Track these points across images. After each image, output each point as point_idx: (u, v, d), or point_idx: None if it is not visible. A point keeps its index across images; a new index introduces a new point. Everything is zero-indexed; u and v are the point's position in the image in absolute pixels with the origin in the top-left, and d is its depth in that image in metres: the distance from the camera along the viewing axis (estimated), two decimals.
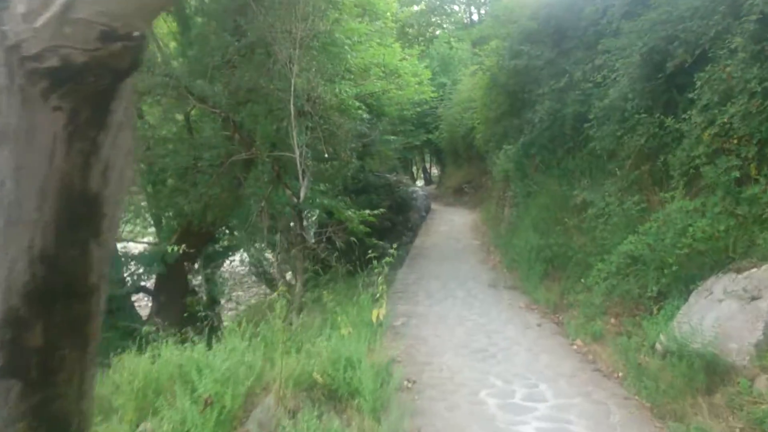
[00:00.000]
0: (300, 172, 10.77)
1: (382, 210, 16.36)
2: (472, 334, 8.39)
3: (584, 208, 10.07)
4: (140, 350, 6.57)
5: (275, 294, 8.55)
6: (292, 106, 10.78)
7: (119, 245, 16.15)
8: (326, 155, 11.63)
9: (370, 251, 16.92)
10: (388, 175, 23.98)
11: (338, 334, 6.85)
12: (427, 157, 45.48)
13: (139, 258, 14.44)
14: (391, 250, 9.97)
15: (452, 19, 43.03)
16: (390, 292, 11.52)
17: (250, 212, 11.34)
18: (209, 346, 6.67)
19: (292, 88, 10.74)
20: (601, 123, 10.30)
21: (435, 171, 46.57)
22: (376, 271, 8.76)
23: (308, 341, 6.81)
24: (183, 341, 7.89)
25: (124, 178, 1.93)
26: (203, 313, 13.82)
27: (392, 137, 26.57)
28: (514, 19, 15.27)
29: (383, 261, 9.60)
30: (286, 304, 11.21)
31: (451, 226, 20.79)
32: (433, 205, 27.35)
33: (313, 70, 11.74)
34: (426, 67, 27.38)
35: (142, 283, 15.27)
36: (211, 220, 12.51)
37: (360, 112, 17.23)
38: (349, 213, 15.66)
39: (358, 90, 20.54)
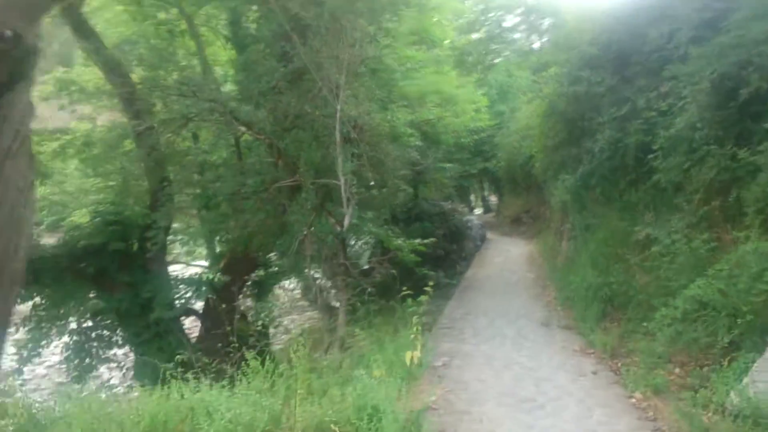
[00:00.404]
0: (344, 200, 10.33)
1: (432, 239, 15.83)
2: (519, 380, 7.67)
3: (647, 244, 9.27)
4: (165, 383, 6.13)
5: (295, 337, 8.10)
6: (337, 132, 10.41)
7: (174, 267, 16.11)
8: (372, 183, 11.13)
9: (419, 281, 16.37)
10: (442, 203, 23.40)
11: (369, 376, 6.28)
12: (486, 185, 44.59)
13: (188, 281, 14.23)
14: (427, 288, 9.41)
15: (513, 47, 42.34)
16: (436, 328, 10.92)
17: (294, 239, 10.93)
18: (232, 383, 6.23)
19: (338, 115, 10.37)
20: (666, 154, 9.54)
21: (494, 199, 45.66)
22: (410, 310, 8.20)
23: (337, 383, 6.28)
24: (217, 373, 7.50)
25: (19, 218, 1.46)
26: (253, 339, 13.57)
27: (448, 165, 26.11)
28: (574, 45, 14.59)
29: (417, 299, 9.14)
30: (328, 336, 10.79)
31: (506, 258, 19.99)
32: (490, 235, 26.56)
33: (361, 96, 11.36)
34: (483, 94, 26.88)
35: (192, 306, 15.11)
36: (256, 247, 12.20)
37: (412, 139, 16.77)
38: (399, 242, 15.18)
39: (413, 117, 20.24)
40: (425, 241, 15.63)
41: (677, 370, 6.88)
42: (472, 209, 39.93)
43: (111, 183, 14.68)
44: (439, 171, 24.16)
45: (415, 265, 15.80)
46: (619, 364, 7.74)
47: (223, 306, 13.60)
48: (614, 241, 10.57)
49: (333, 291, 12.03)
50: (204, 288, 13.68)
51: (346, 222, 10.43)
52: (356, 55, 10.95)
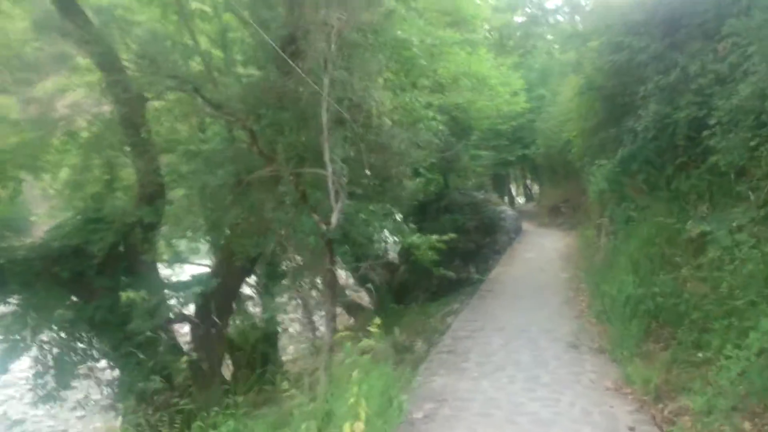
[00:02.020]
0: (332, 193, 8.46)
1: (452, 235, 13.85)
2: None
3: (702, 245, 7.15)
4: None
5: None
6: (324, 112, 8.52)
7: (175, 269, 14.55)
8: (367, 171, 9.21)
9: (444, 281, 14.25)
10: (475, 193, 21.36)
11: None
12: (527, 174, 42.19)
13: (175, 285, 12.51)
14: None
15: (555, 30, 39.65)
16: (434, 351, 8.93)
17: (269, 241, 9.13)
18: None
19: (325, 91, 8.48)
20: (726, 130, 7.39)
21: (536, 188, 43.34)
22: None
23: None
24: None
25: None
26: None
27: (483, 152, 24.04)
28: (615, 10, 12.32)
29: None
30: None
31: (540, 253, 17.74)
32: (526, 225, 24.33)
33: (357, 70, 9.43)
34: (522, 78, 24.65)
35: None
36: (239, 249, 10.46)
37: (435, 123, 14.74)
38: (414, 239, 13.27)
39: (442, 101, 18.33)
40: (443, 237, 13.67)
41: (748, 425, 4.81)
42: (513, 199, 37.52)
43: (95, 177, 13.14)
44: (471, 158, 22.20)
45: (432, 265, 13.91)
46: (666, 411, 5.61)
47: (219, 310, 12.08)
48: (660, 239, 8.37)
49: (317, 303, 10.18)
50: (194, 293, 12.08)
51: (333, 220, 8.54)
52: (348, 21, 9.03)
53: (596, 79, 12.50)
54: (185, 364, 11.02)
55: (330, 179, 8.42)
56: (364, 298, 19.85)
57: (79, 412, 13.00)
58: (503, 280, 14.24)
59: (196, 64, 10.31)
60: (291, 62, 8.85)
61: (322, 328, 13.53)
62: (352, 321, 19.06)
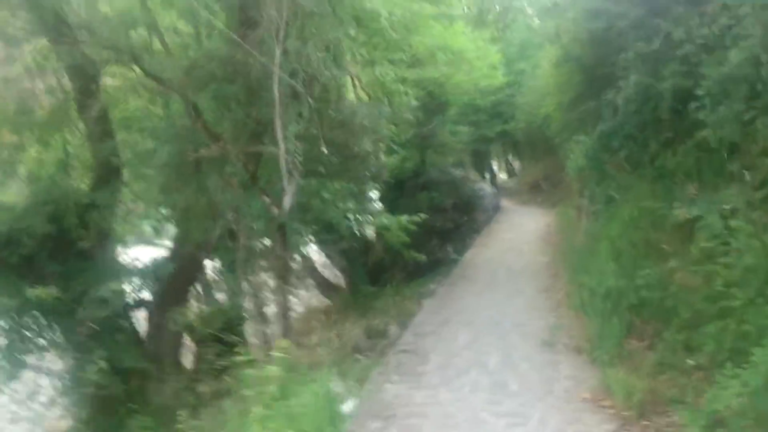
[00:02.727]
0: (284, 173, 7.54)
1: (421, 216, 13.05)
2: None
3: (692, 231, 6.34)
4: None
5: None
6: (275, 86, 7.57)
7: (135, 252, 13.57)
8: (324, 149, 8.28)
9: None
10: (453, 170, 20.55)
11: None
12: (508, 150, 41.29)
13: (132, 271, 11.58)
14: None
15: (536, 4, 38.56)
16: (392, 351, 8.07)
17: (217, 227, 8.21)
18: None
19: (276, 62, 7.52)
20: (716, 102, 6.52)
21: (518, 164, 42.55)
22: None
23: None
24: None
25: None
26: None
27: (462, 128, 23.20)
28: None
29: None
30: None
31: (518, 233, 16.89)
32: (506, 203, 23.56)
33: (312, 41, 8.45)
34: (501, 51, 23.67)
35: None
36: (191, 234, 9.55)
37: (407, 98, 13.79)
38: (383, 220, 12.41)
39: (417, 76, 17.43)
40: (413, 218, 12.84)
41: None
42: (494, 176, 36.66)
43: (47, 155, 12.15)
44: (451, 135, 21.34)
45: (403, 247, 13.12)
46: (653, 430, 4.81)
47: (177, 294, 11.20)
48: (644, 223, 7.50)
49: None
50: (149, 278, 11.20)
51: (286, 202, 7.65)
52: None
53: (573, 49, 11.60)
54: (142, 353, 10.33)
55: (282, 158, 7.52)
56: (340, 277, 19.11)
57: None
58: (477, 264, 13.38)
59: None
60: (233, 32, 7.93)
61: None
62: (327, 302, 18.33)
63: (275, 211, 7.74)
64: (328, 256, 18.35)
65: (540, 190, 23.68)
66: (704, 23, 7.52)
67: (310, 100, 8.09)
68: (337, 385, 6.22)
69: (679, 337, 5.62)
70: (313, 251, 17.76)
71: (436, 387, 6.48)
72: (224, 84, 8.02)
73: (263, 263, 8.69)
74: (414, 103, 14.09)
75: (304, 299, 20.47)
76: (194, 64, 8.01)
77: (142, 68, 8.00)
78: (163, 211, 11.00)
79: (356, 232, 14.54)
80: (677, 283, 6.14)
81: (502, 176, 42.73)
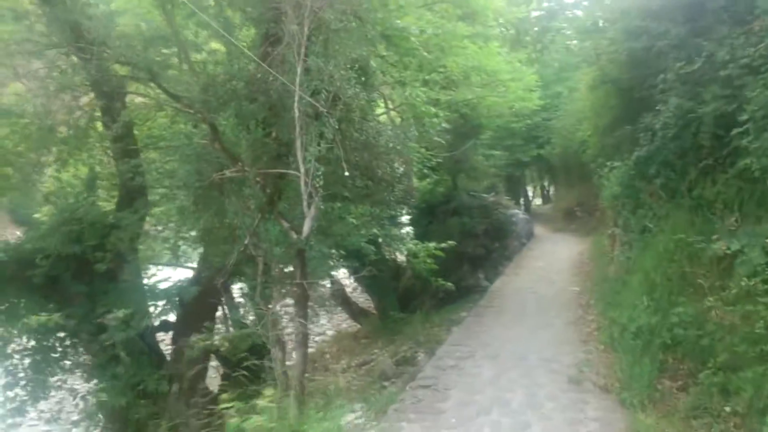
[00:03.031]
0: (305, 197, 7.27)
1: (451, 243, 12.71)
2: None
3: (731, 265, 5.87)
4: None
5: None
6: (296, 105, 7.36)
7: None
8: (346, 172, 8.01)
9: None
10: (485, 195, 20.10)
11: None
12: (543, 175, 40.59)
13: (156, 293, 11.44)
14: None
15: (575, 25, 38.04)
16: (411, 385, 7.68)
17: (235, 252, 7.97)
18: None
19: (297, 80, 7.31)
20: (760, 128, 6.13)
21: (553, 190, 41.81)
22: None
23: None
24: None
25: None
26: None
27: (495, 152, 22.78)
28: None
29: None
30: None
31: (551, 261, 16.35)
32: (540, 230, 22.94)
33: (336, 57, 8.24)
34: (536, 73, 23.24)
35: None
36: (212, 257, 9.37)
37: (437, 120, 13.52)
38: (410, 246, 12.07)
39: (449, 97, 17.18)
40: (442, 245, 12.48)
41: None
42: (529, 202, 35.99)
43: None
44: (483, 159, 20.93)
45: (430, 274, 12.72)
46: None
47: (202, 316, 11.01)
48: (680, 255, 7.03)
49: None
50: (174, 300, 11.04)
51: (306, 228, 7.35)
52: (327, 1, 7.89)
53: (611, 71, 11.22)
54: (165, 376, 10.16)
55: (302, 181, 7.27)
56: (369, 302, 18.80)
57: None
58: (507, 293, 12.92)
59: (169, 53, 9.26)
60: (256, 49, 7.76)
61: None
62: (358, 327, 18.04)
63: (294, 236, 7.45)
64: (357, 280, 18.01)
65: (574, 217, 23.06)
66: (750, 43, 7.11)
67: (331, 120, 7.86)
68: (350, 421, 5.88)
69: (716, 380, 5.16)
70: (344, 275, 17.68)
71: (454, 428, 6.10)
72: (244, 103, 7.82)
73: (283, 290, 8.40)
74: (445, 125, 13.72)
75: (335, 323, 20.32)
76: (212, 82, 7.84)
77: (159, 85, 7.86)
78: (186, 233, 10.83)
79: (384, 257, 14.22)
80: (714, 322, 5.68)
81: (537, 202, 42.02)
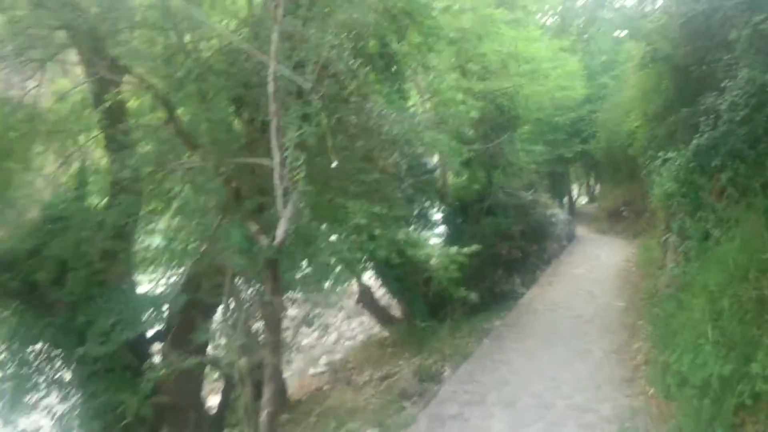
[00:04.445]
0: (279, 193, 5.79)
1: (476, 247, 11.06)
2: None
3: None
4: None
5: None
6: (270, 78, 5.90)
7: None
8: (334, 162, 6.48)
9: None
10: (523, 193, 18.38)
11: None
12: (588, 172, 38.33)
13: (144, 301, 10.12)
14: None
15: (622, 13, 35.80)
16: None
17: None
18: None
19: (273, 47, 5.84)
20: None
21: (599, 187, 39.53)
22: None
23: None
24: None
25: None
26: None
27: (536, 147, 21.01)
28: None
29: None
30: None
31: (591, 268, 14.42)
32: (582, 231, 21.02)
33: (321, 22, 6.72)
34: (581, 61, 21.36)
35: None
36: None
37: (466, 108, 11.89)
38: (429, 250, 10.52)
39: (483, 86, 15.64)
40: (464, 250, 10.82)
41: None
42: (572, 200, 33.80)
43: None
44: (523, 154, 19.19)
45: (453, 285, 11.08)
46: None
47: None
48: (756, 272, 5.32)
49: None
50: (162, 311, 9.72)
51: (279, 231, 5.85)
52: None
53: (663, 46, 9.42)
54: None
55: (276, 173, 5.79)
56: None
57: None
58: (538, 309, 11.00)
59: None
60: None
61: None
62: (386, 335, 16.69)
63: (263, 241, 5.99)
64: (384, 284, 16.65)
65: (620, 217, 21.02)
66: None
67: (312, 97, 6.35)
68: None
69: None
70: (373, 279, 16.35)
71: None
72: (212, 77, 6.39)
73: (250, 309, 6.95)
74: (474, 114, 12.06)
75: (366, 326, 18.99)
76: (170, 51, 6.43)
77: (99, 53, 6.48)
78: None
79: (412, 260, 12.73)
80: None
81: (582, 200, 39.84)
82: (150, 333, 9.84)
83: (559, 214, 19.36)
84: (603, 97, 23.95)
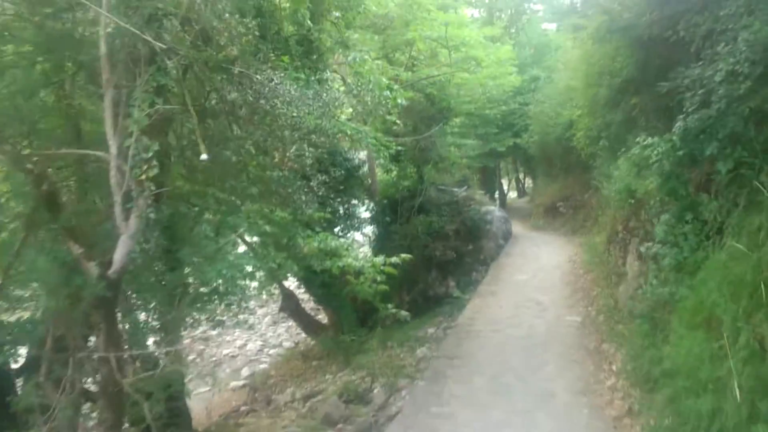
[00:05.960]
0: (117, 198, 3.76)
1: (407, 256, 9.37)
2: None
3: None
4: None
5: None
6: (102, 36, 3.88)
7: None
8: (205, 155, 4.47)
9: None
10: (456, 190, 16.96)
11: None
12: (520, 167, 37.45)
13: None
14: None
15: (552, 5, 35.01)
16: None
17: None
18: None
19: None
20: None
21: (530, 182, 38.74)
22: None
23: None
24: None
25: None
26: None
27: (468, 141, 19.72)
28: None
29: None
30: None
31: (535, 272, 12.76)
32: (518, 228, 19.67)
33: None
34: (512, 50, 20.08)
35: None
36: None
37: (392, 94, 10.05)
38: (350, 260, 8.68)
39: (410, 75, 14.22)
40: (393, 259, 9.08)
41: None
42: (504, 196, 32.70)
43: None
44: (454, 148, 17.80)
45: (376, 299, 9.36)
46: None
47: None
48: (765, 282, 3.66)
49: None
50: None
51: (118, 255, 3.80)
52: None
53: (618, 18, 7.79)
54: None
55: (113, 169, 3.78)
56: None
57: None
58: (479, 330, 8.78)
59: None
60: None
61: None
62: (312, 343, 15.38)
63: (93, 270, 3.94)
64: (308, 290, 15.13)
65: (558, 213, 19.78)
66: None
67: (170, 61, 4.32)
68: None
69: None
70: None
71: None
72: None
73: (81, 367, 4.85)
74: (401, 101, 10.32)
75: (294, 332, 17.84)
76: None
77: None
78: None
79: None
80: None
81: (512, 195, 39.05)
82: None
83: (494, 211, 17.95)
84: (534, 90, 22.97)
